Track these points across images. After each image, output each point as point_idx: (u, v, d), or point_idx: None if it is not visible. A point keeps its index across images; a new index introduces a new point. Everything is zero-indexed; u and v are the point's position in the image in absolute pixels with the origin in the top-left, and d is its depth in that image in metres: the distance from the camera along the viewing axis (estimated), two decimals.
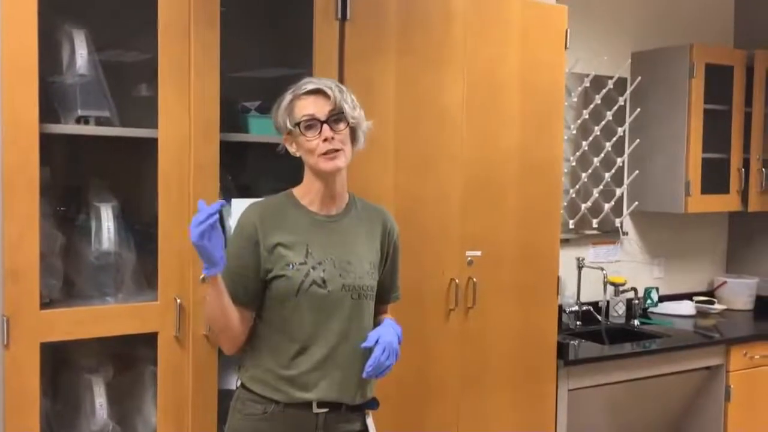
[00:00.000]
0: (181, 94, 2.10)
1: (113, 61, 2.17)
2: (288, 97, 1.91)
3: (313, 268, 1.89)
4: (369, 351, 1.87)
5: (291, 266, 1.88)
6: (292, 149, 1.94)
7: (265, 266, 1.89)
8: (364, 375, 1.87)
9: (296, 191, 1.98)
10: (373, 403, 2.00)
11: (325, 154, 1.87)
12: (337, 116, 1.87)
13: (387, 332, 1.91)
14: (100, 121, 2.07)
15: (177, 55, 2.09)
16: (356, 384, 1.93)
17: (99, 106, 2.07)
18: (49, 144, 1.97)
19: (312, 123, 1.87)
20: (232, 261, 1.88)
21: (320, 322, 1.89)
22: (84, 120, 2.04)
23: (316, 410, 1.89)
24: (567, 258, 3.51)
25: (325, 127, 1.86)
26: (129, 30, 2.19)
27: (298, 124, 1.88)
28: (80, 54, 2.03)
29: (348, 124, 1.89)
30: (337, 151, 1.87)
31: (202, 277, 1.80)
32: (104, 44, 2.13)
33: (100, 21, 2.12)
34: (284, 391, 1.88)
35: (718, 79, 3.74)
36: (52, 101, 2.04)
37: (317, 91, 1.87)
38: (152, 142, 2.08)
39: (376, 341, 1.87)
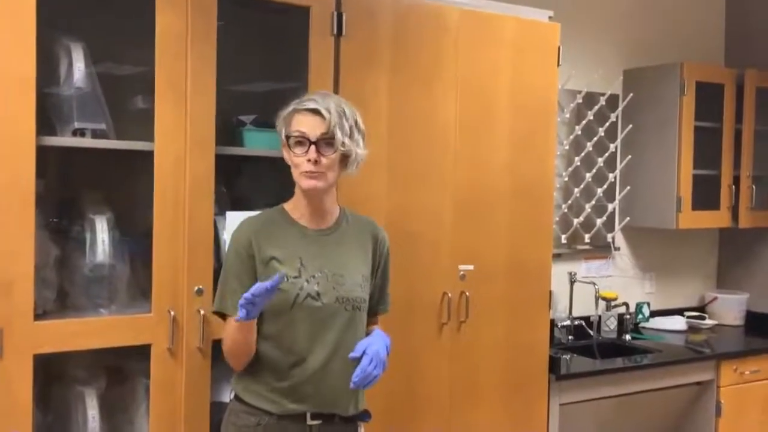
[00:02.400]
0: (178, 108, 2.11)
1: (110, 74, 2.19)
2: (291, 107, 1.93)
3: (307, 281, 1.91)
4: (359, 362, 1.87)
5: (285, 280, 1.89)
6: (286, 156, 1.97)
7: (260, 281, 1.90)
8: (351, 385, 1.86)
9: (287, 206, 2.00)
10: (365, 416, 2.01)
11: (306, 172, 1.89)
12: (328, 140, 1.89)
13: (375, 342, 1.91)
14: (96, 134, 2.08)
15: (174, 68, 2.10)
16: (349, 395, 1.94)
17: (95, 118, 2.08)
18: (45, 156, 1.98)
19: (302, 140, 1.89)
20: (233, 279, 1.90)
21: (315, 335, 1.90)
22: (80, 132, 2.06)
23: (309, 422, 1.90)
24: (559, 273, 3.52)
25: (313, 148, 1.88)
26: (126, 43, 2.20)
27: (288, 138, 1.91)
28: (78, 67, 2.04)
29: (336, 150, 1.90)
30: (320, 173, 1.89)
31: (237, 317, 1.80)
32: (101, 57, 2.14)
33: (98, 34, 2.14)
34: (278, 402, 1.89)
35: (708, 97, 3.78)
36: (48, 114, 2.05)
37: (316, 111, 1.88)
38: (148, 155, 2.09)
39: (364, 351, 1.87)
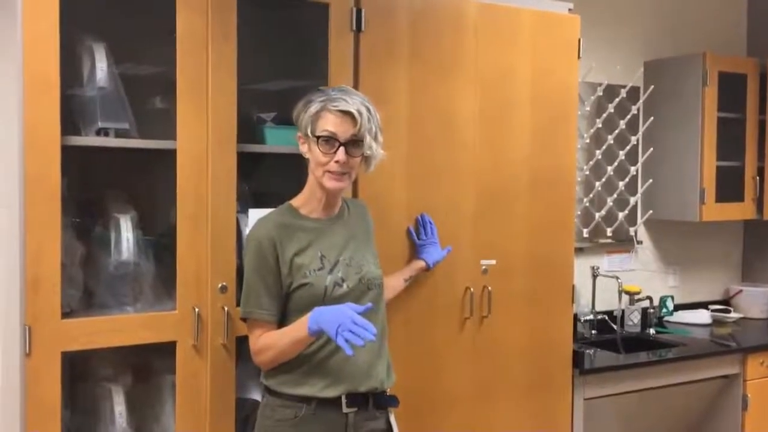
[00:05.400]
0: (199, 106, 2.13)
1: (132, 73, 2.21)
2: (318, 104, 1.93)
3: (330, 271, 1.94)
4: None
5: (309, 273, 1.91)
6: (304, 149, 1.99)
7: (285, 281, 1.92)
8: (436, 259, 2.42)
9: (295, 202, 2.03)
10: (394, 401, 2.05)
11: (332, 172, 1.90)
12: (356, 142, 1.91)
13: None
14: (119, 133, 2.10)
15: (195, 67, 2.12)
16: (381, 365, 1.99)
17: (118, 118, 2.10)
18: (69, 156, 2.00)
19: (330, 140, 1.90)
20: (259, 282, 1.91)
21: None
22: (104, 132, 2.08)
23: (345, 409, 1.92)
24: (581, 267, 3.50)
25: (342, 149, 1.90)
26: (147, 43, 2.22)
27: (317, 137, 1.91)
28: (100, 67, 2.06)
29: (363, 154, 1.93)
30: (344, 173, 1.91)
31: (308, 334, 1.86)
32: (123, 57, 2.16)
33: (120, 35, 2.16)
34: (314, 384, 1.90)
35: (731, 88, 3.74)
36: (72, 114, 2.07)
37: (348, 113, 1.90)
38: (170, 153, 2.11)
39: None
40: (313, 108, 1.94)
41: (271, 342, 1.92)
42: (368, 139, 1.91)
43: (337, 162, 1.90)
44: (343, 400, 1.92)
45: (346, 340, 1.75)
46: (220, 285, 2.15)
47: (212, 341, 2.15)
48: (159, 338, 2.10)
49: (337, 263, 1.96)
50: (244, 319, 1.99)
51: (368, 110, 1.93)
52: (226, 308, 2.15)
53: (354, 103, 1.91)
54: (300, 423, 1.90)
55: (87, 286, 2.14)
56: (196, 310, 2.12)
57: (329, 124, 1.91)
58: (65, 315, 1.99)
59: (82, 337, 2.00)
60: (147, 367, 2.23)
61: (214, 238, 2.15)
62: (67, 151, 1.98)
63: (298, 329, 1.87)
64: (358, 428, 1.95)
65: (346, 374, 1.92)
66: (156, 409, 2.20)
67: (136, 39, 2.23)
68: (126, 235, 2.13)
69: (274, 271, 1.92)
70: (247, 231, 2.22)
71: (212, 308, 2.15)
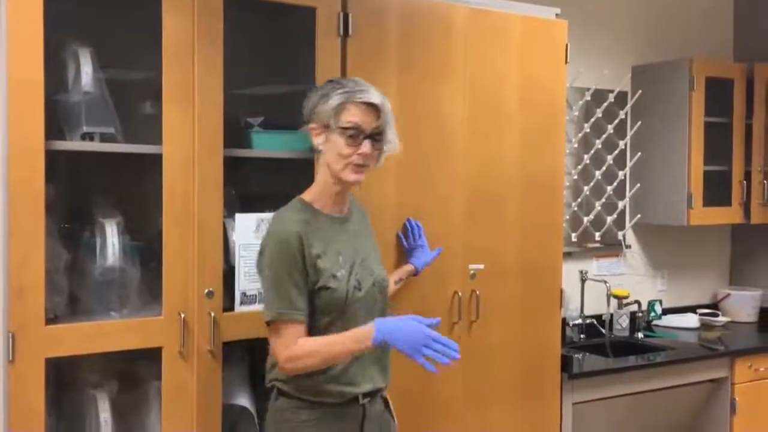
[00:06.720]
0: (185, 111, 2.11)
1: (118, 78, 2.19)
2: (341, 95, 1.90)
3: (349, 275, 1.94)
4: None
5: (333, 277, 1.90)
6: (318, 141, 1.95)
7: (311, 278, 1.90)
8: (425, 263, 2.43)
9: (307, 197, 1.99)
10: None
11: (356, 165, 1.90)
12: (377, 134, 1.91)
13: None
14: (104, 138, 2.09)
15: (181, 72, 2.11)
16: (386, 368, 2.04)
17: (104, 122, 2.08)
18: (54, 161, 1.98)
19: (354, 133, 1.89)
20: (288, 282, 1.86)
21: (360, 322, 1.91)
22: (89, 137, 2.06)
23: (362, 401, 1.95)
24: (570, 271, 3.51)
25: (366, 142, 1.89)
26: (133, 48, 2.21)
27: (343, 128, 1.89)
28: (85, 72, 2.05)
29: (382, 147, 1.94)
30: (364, 166, 1.92)
31: (371, 343, 1.85)
32: (109, 62, 2.15)
33: (105, 39, 2.14)
34: (336, 392, 1.92)
35: (718, 92, 3.76)
36: (57, 118, 2.06)
37: (372, 104, 1.89)
38: (156, 158, 2.10)
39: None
40: (336, 99, 1.90)
41: (315, 348, 1.85)
42: (388, 131, 1.93)
43: (360, 154, 1.89)
44: (360, 395, 1.95)
45: (428, 358, 1.77)
46: (206, 290, 2.14)
47: (199, 347, 2.14)
48: (144, 344, 2.09)
49: (353, 266, 1.95)
50: (269, 322, 1.89)
51: (386, 104, 1.93)
52: (212, 314, 2.14)
53: (377, 95, 1.92)
54: (322, 421, 1.92)
55: (72, 292, 2.12)
56: (182, 315, 2.11)
57: (355, 115, 1.89)
58: (50, 321, 1.98)
59: (67, 343, 1.98)
60: (133, 373, 2.21)
61: (200, 243, 2.13)
62: (52, 156, 1.96)
63: (360, 340, 1.84)
64: (372, 415, 1.98)
65: (364, 378, 1.95)
66: (142, 416, 2.18)
67: (121, 43, 2.21)
68: (112, 240, 2.11)
69: (301, 269, 1.87)
70: (233, 235, 2.21)
71: (199, 314, 2.13)
